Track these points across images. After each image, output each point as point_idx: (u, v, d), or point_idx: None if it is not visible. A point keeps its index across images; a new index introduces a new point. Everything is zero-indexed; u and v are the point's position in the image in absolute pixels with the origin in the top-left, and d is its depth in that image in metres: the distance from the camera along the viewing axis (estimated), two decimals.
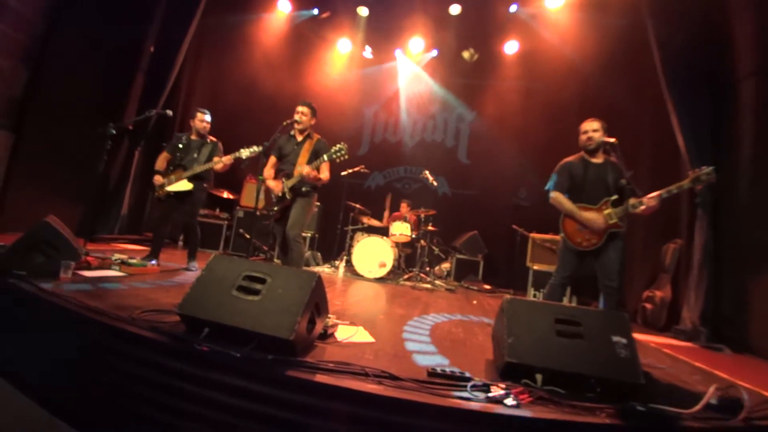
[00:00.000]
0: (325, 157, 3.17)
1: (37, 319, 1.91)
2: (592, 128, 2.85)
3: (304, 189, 3.28)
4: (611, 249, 2.72)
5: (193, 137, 3.76)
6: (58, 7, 4.33)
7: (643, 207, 2.60)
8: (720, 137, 3.76)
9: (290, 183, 3.26)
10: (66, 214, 3.22)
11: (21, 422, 1.68)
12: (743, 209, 3.54)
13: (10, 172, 4.10)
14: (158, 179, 3.63)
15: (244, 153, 3.38)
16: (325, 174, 3.29)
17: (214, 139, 3.82)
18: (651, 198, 2.57)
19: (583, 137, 2.88)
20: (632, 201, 2.64)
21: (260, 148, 3.29)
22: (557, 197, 2.89)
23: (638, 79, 5.03)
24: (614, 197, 2.75)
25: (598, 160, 2.88)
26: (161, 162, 3.72)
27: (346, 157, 3.17)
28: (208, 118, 3.76)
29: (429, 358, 1.99)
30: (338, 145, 3.15)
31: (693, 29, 3.90)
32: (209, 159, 3.65)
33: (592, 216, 2.75)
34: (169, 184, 3.60)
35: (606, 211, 2.73)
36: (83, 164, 4.46)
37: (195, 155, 3.67)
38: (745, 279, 3.44)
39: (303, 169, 3.17)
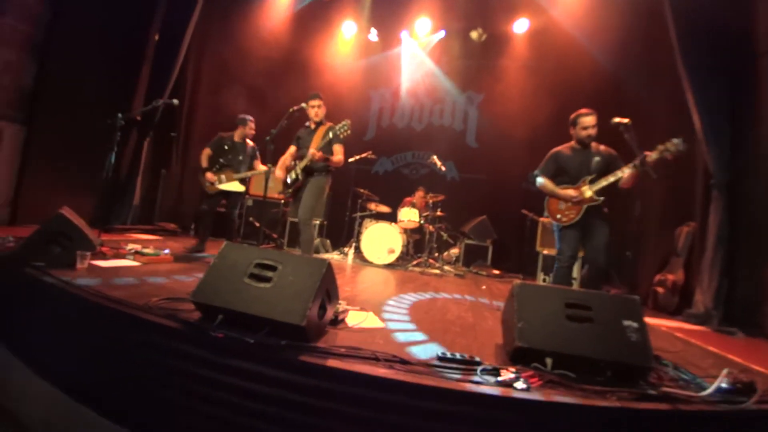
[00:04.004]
0: (330, 134, 3.25)
1: (56, 309, 1.97)
2: (591, 124, 3.05)
3: (315, 171, 3.38)
4: (598, 233, 2.98)
5: (237, 140, 4.16)
6: None
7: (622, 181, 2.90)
8: (738, 116, 3.64)
9: (302, 164, 3.38)
10: (79, 205, 3.28)
11: (47, 410, 1.75)
12: (761, 189, 3.45)
13: (24, 165, 4.17)
14: (211, 177, 4.02)
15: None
16: (337, 156, 3.36)
17: (253, 143, 4.25)
18: (625, 172, 2.86)
19: (583, 133, 3.07)
20: (609, 176, 2.93)
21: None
22: (542, 182, 3.18)
23: (652, 57, 4.87)
24: (593, 176, 3.01)
25: (586, 146, 3.12)
26: (205, 159, 4.10)
27: (348, 132, 3.27)
28: (253, 125, 4.23)
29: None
30: (342, 122, 3.26)
31: (711, 3, 3.74)
32: (251, 161, 4.20)
33: (569, 192, 3.06)
34: (221, 182, 4.03)
35: (583, 188, 3.02)
36: (94, 155, 4.51)
37: (241, 158, 4.13)
38: (759, 262, 3.38)
39: (310, 150, 3.27)
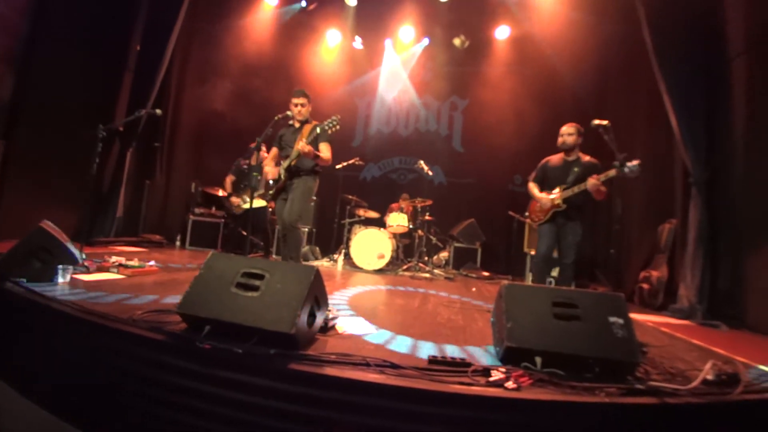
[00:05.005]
0: (318, 129, 3.12)
1: (37, 325, 1.91)
2: (567, 132, 3.37)
3: (302, 172, 3.26)
4: (566, 234, 3.31)
5: (253, 163, 4.61)
6: (42, 8, 4.24)
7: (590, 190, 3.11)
8: (714, 116, 3.76)
9: (285, 163, 3.26)
10: (61, 218, 3.20)
11: (28, 427, 1.69)
12: (737, 185, 3.56)
13: (2, 179, 4.06)
14: (236, 200, 4.61)
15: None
16: (325, 154, 3.20)
17: None
18: (592, 183, 3.07)
19: (559, 140, 3.39)
20: (576, 187, 3.19)
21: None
22: (529, 186, 3.60)
23: (632, 61, 5.01)
24: (567, 185, 3.27)
25: (571, 157, 3.38)
26: (229, 185, 4.62)
27: (338, 127, 3.17)
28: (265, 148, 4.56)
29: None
30: (331, 117, 3.14)
31: (684, 9, 3.87)
32: None
33: (543, 197, 3.42)
34: (245, 203, 4.52)
35: (555, 195, 3.34)
36: (76, 168, 4.42)
37: (259, 177, 4.49)
38: (739, 256, 3.48)
39: (298, 144, 3.10)
